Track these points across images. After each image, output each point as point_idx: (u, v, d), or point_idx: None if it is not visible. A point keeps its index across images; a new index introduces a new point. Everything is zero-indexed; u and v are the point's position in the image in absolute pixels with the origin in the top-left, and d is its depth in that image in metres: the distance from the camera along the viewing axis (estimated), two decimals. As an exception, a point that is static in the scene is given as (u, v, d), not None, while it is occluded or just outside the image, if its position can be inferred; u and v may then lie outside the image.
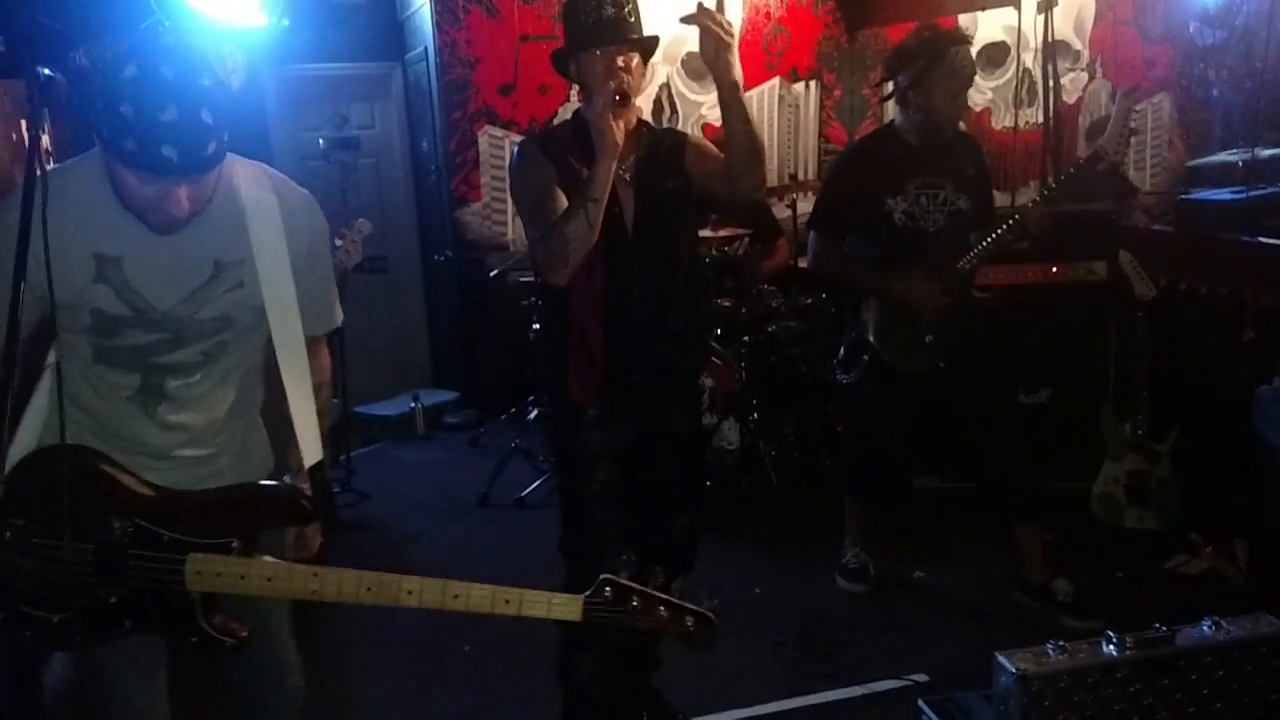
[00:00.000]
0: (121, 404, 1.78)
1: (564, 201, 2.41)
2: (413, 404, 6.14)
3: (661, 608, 1.68)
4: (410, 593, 1.66)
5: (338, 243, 4.10)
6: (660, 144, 2.61)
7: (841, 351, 3.62)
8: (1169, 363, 4.05)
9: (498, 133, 6.07)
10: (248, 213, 1.75)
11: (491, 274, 5.58)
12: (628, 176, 2.51)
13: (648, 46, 2.50)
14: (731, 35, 2.32)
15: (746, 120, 2.42)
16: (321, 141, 5.83)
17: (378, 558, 4.31)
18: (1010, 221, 3.25)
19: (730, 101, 2.38)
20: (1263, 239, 3.95)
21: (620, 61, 2.41)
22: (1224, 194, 4.28)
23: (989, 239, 3.27)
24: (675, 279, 2.59)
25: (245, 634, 1.77)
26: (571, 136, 2.54)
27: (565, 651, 2.73)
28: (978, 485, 3.62)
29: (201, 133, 1.52)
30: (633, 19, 2.45)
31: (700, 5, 2.40)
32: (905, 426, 3.59)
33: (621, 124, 2.35)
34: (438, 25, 5.89)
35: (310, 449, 1.85)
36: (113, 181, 1.62)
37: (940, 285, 3.27)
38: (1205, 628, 2.44)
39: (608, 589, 1.67)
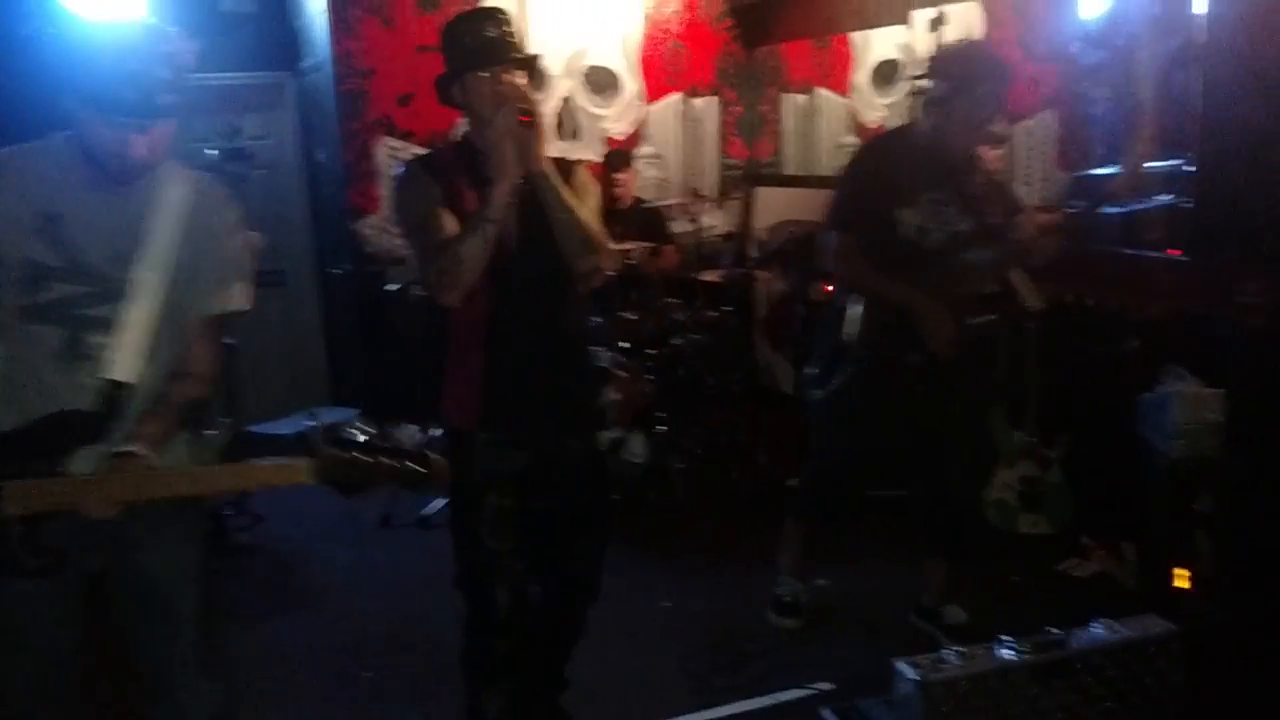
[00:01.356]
0: (48, 360, 1.98)
1: (450, 221, 2.35)
2: (310, 422, 5.96)
3: (383, 456, 1.88)
4: (165, 484, 1.93)
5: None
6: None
7: (815, 366, 3.37)
8: (1058, 372, 4.19)
9: (396, 144, 5.96)
10: (162, 195, 2.02)
11: (389, 288, 5.47)
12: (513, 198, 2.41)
13: (532, 66, 2.46)
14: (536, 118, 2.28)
15: (565, 209, 2.35)
16: (213, 153, 5.65)
17: (273, 582, 4.18)
18: (1006, 241, 3.13)
19: (543, 190, 2.34)
20: (1144, 252, 4.12)
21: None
22: (1106, 208, 4.44)
23: (985, 259, 3.15)
24: (560, 303, 2.53)
25: (52, 558, 1.92)
26: (458, 159, 2.48)
27: (473, 692, 2.66)
28: (918, 507, 3.50)
29: (157, 83, 1.87)
30: (514, 39, 2.42)
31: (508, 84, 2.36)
32: (889, 436, 3.30)
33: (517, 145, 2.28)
34: (333, 35, 5.77)
35: (122, 369, 1.97)
36: (80, 139, 1.93)
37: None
38: (1097, 630, 2.53)
39: (332, 446, 1.87)
